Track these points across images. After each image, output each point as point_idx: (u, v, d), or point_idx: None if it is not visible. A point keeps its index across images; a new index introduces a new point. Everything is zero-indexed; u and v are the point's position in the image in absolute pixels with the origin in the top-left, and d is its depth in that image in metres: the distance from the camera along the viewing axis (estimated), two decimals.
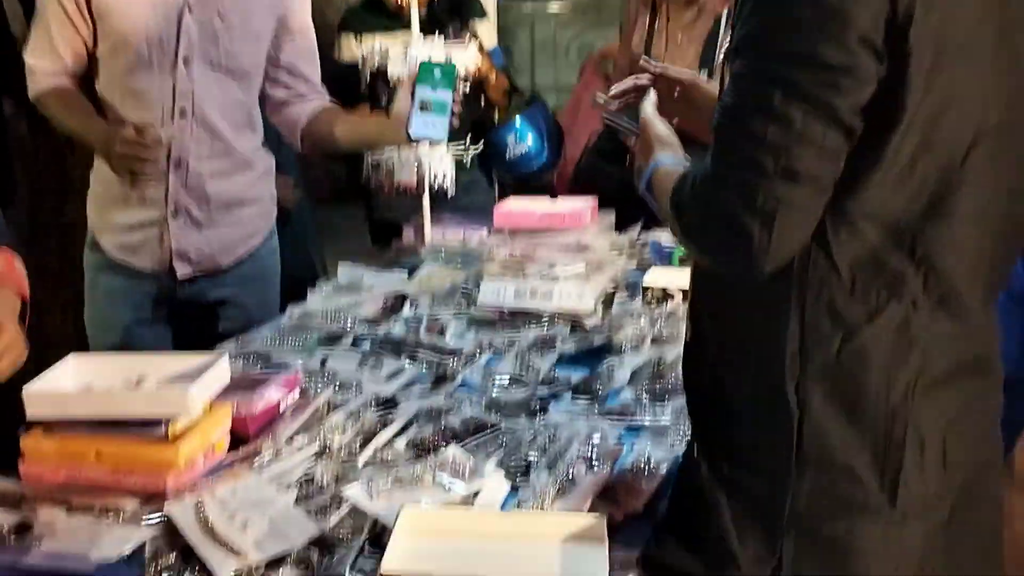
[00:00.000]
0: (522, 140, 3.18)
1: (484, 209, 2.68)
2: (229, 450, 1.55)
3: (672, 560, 1.20)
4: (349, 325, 2.05)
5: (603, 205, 2.37)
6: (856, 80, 1.00)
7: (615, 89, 1.58)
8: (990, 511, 1.20)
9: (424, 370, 1.84)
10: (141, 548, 1.30)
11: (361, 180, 2.92)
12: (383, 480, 1.41)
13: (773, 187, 1.02)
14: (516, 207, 2.33)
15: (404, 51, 2.71)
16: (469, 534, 1.27)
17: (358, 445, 1.54)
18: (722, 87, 1.15)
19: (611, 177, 2.63)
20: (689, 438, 1.26)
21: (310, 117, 2.28)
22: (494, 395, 1.72)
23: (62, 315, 2.91)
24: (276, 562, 1.25)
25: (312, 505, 1.38)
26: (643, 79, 1.55)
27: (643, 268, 2.23)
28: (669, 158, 1.24)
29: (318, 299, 2.21)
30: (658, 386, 1.72)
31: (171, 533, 1.32)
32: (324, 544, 1.29)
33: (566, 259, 2.13)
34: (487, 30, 3.22)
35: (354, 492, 1.38)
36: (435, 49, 2.65)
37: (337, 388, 1.75)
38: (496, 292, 2.07)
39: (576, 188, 2.81)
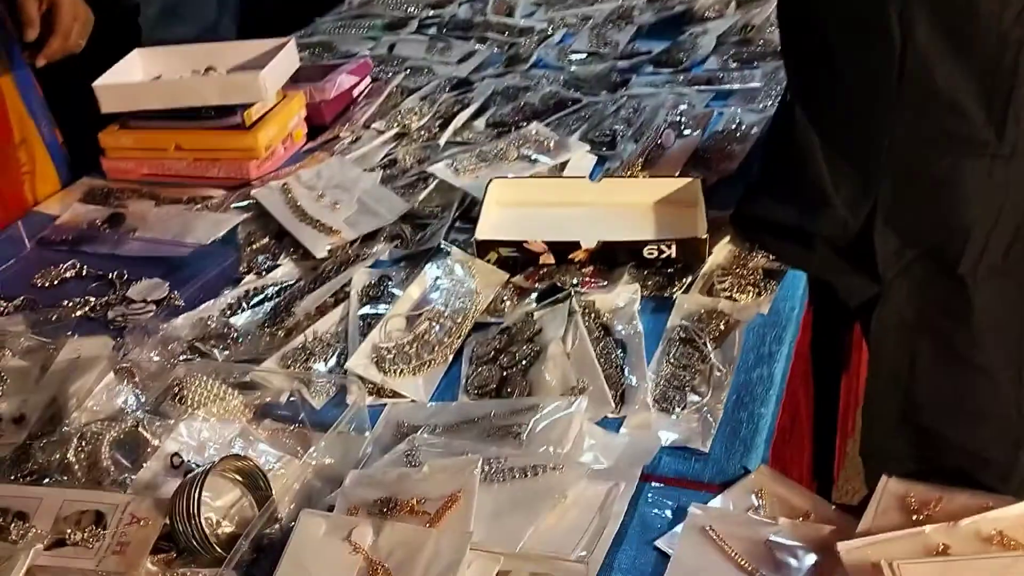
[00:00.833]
0: None
1: None
2: (308, 139, 1.53)
3: (765, 212, 1.15)
4: (413, 9, 1.96)
5: None
6: None
7: None
8: None
9: (496, 50, 1.76)
10: (234, 232, 1.30)
11: None
12: (467, 158, 1.38)
13: None
14: None
15: None
16: (560, 202, 1.25)
17: (437, 126, 1.51)
18: None
19: None
20: (783, 88, 1.19)
21: None
22: (572, 70, 1.66)
23: None
24: (369, 237, 1.25)
25: (398, 184, 1.36)
26: None
27: None
28: None
29: None
30: (746, 51, 1.63)
31: (262, 216, 1.32)
32: (415, 219, 1.28)
33: None
34: None
35: (439, 168, 1.35)
36: None
37: (408, 73, 1.69)
38: None
39: None
